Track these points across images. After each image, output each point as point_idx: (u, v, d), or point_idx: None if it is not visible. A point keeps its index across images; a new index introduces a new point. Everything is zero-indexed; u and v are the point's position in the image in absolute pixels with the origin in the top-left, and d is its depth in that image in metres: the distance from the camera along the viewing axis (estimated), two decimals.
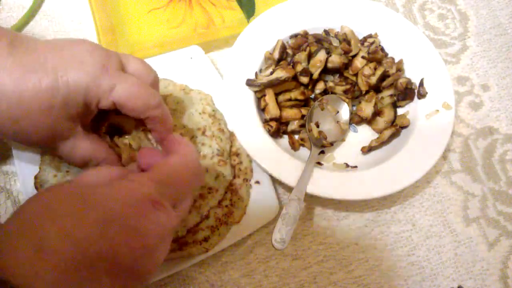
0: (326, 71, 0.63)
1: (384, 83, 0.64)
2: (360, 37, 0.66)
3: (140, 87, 0.44)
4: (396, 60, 0.65)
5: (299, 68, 0.61)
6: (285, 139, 0.62)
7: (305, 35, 0.65)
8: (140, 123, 0.49)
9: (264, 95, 0.60)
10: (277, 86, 0.61)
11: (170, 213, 0.36)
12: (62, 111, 0.41)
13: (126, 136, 0.49)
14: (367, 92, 0.63)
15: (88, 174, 0.37)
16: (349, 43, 0.63)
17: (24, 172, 0.55)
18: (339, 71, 0.64)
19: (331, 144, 0.60)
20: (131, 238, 0.32)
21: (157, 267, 0.35)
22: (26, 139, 0.43)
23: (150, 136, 0.50)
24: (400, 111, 0.65)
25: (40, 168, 0.55)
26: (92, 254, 0.30)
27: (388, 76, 0.64)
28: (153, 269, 0.35)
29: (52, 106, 0.41)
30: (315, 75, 0.62)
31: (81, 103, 0.42)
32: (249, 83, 0.60)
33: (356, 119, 0.63)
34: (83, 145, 0.45)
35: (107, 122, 0.50)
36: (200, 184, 0.44)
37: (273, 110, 0.59)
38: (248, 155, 0.59)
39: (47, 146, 0.45)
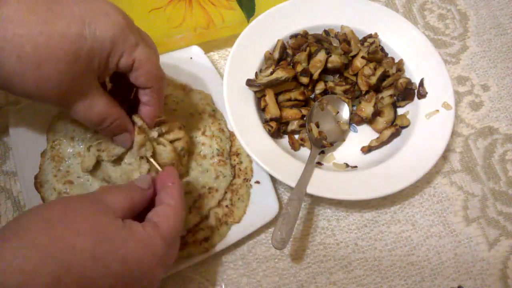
0: (326, 71, 0.63)
1: (384, 83, 0.64)
2: (360, 37, 0.66)
3: (156, 55, 0.46)
4: (396, 60, 0.65)
5: (299, 68, 0.61)
6: (285, 139, 0.62)
7: (305, 35, 0.65)
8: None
9: (264, 95, 0.60)
10: (277, 86, 0.61)
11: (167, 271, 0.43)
12: (85, 65, 0.40)
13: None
14: (367, 92, 0.63)
15: (110, 193, 0.42)
16: (349, 43, 0.63)
17: (24, 172, 0.55)
18: (339, 71, 0.64)
19: (331, 144, 0.60)
20: None
21: None
22: (43, 89, 0.40)
23: (155, 128, 0.52)
24: (400, 111, 0.65)
25: (40, 168, 0.55)
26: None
27: (388, 76, 0.64)
28: None
29: (78, 56, 0.39)
30: (315, 76, 0.62)
31: (105, 56, 0.42)
32: (249, 83, 0.60)
33: (356, 119, 0.63)
34: (100, 102, 0.44)
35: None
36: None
37: (273, 110, 0.59)
38: (248, 155, 0.59)
39: (60, 104, 0.42)
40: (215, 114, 0.61)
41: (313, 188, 0.54)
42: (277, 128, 0.59)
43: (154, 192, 0.46)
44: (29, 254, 0.33)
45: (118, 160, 0.52)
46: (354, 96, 0.64)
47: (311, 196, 0.54)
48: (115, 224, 0.39)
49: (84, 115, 0.44)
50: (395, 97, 0.64)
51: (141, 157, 0.51)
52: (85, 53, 0.40)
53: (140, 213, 0.43)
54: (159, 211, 0.43)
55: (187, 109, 0.60)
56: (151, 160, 0.51)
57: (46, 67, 0.39)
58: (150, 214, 0.43)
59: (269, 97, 0.60)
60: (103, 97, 0.44)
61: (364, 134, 0.63)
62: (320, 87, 0.63)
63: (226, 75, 0.60)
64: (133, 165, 0.51)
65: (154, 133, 0.52)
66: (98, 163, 0.53)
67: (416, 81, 0.64)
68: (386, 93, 0.64)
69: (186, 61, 0.64)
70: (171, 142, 0.54)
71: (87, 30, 0.40)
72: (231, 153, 0.59)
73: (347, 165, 0.60)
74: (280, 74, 0.59)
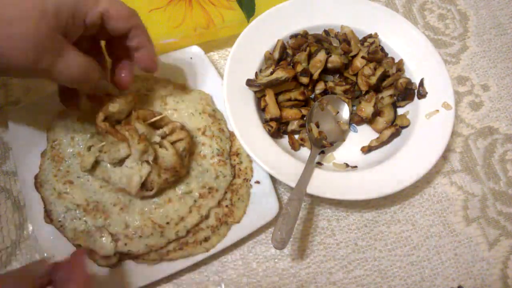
0: (326, 71, 0.63)
1: (384, 83, 0.64)
2: (360, 37, 0.66)
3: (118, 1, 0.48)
4: (396, 60, 0.65)
5: (299, 68, 0.61)
6: (285, 139, 0.62)
7: (305, 35, 0.65)
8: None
9: (264, 95, 0.60)
10: (277, 86, 0.61)
11: None
12: (54, 21, 0.42)
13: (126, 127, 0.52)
14: (367, 92, 0.63)
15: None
16: (349, 43, 0.63)
17: (24, 172, 0.55)
18: (339, 71, 0.64)
19: (331, 144, 0.60)
20: None
21: None
22: (18, 49, 0.41)
23: (158, 132, 0.53)
24: (400, 111, 0.65)
25: (40, 168, 0.55)
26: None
27: (388, 76, 0.64)
28: None
29: (45, 11, 0.41)
30: (315, 76, 0.62)
31: (71, 12, 0.44)
32: (249, 83, 0.60)
33: (356, 119, 0.63)
34: (79, 59, 0.45)
35: (104, 114, 0.52)
36: None
37: (273, 110, 0.59)
38: (248, 155, 0.59)
39: (42, 69, 0.43)
40: (215, 114, 0.61)
41: (313, 188, 0.54)
42: (277, 128, 0.59)
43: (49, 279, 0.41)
44: None
45: (119, 162, 0.52)
46: (354, 96, 0.64)
47: (311, 196, 0.54)
48: None
49: (68, 73, 0.45)
50: (395, 97, 0.64)
51: (141, 163, 0.51)
52: (52, 9, 0.42)
53: None
54: None
55: (187, 109, 0.60)
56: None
57: (18, 24, 0.40)
58: None
59: (269, 97, 0.60)
60: (79, 54, 0.45)
61: (364, 134, 0.63)
62: (320, 87, 0.63)
63: (226, 75, 0.60)
64: (134, 169, 0.51)
65: (157, 138, 0.52)
66: (97, 163, 0.53)
67: (416, 81, 0.64)
68: (386, 93, 0.64)
69: (186, 61, 0.64)
70: (174, 142, 0.54)
71: None
72: (231, 153, 0.59)
73: (347, 165, 0.60)
74: (280, 74, 0.59)
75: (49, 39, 0.42)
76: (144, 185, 0.52)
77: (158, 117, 0.54)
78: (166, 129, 0.54)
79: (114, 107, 0.52)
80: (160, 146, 0.53)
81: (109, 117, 0.52)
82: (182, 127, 0.55)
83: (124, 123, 0.53)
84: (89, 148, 0.53)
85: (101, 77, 0.49)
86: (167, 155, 0.52)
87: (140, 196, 0.53)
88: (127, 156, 0.51)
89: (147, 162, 0.51)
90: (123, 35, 0.49)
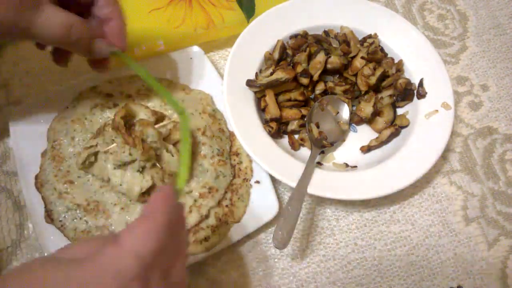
0: (325, 71, 0.63)
1: (384, 83, 0.64)
2: (360, 37, 0.66)
3: None
4: (396, 61, 0.65)
5: (299, 69, 0.61)
6: (285, 139, 0.62)
7: (305, 35, 0.65)
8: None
9: (264, 96, 0.60)
10: (277, 87, 0.61)
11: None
12: None
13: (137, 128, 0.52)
14: (366, 92, 0.63)
15: (67, 248, 0.34)
16: (348, 44, 0.63)
17: (24, 172, 0.55)
18: (338, 71, 0.64)
19: (331, 144, 0.60)
20: None
21: None
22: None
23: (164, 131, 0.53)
24: (399, 111, 0.65)
25: (40, 168, 0.55)
26: None
27: (388, 76, 0.64)
28: None
29: None
30: (315, 77, 0.62)
31: None
32: (249, 83, 0.60)
33: (356, 119, 0.63)
34: (59, 14, 0.44)
35: (124, 109, 0.52)
36: (187, 245, 0.40)
37: (273, 110, 0.59)
38: (248, 155, 0.59)
39: (22, 25, 0.41)
40: (215, 114, 0.61)
41: (313, 188, 0.54)
42: (277, 129, 0.60)
43: None
44: None
45: (122, 165, 0.52)
46: (354, 96, 0.64)
47: (311, 196, 0.54)
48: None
49: (49, 29, 0.43)
50: (394, 97, 0.64)
51: (143, 169, 0.51)
52: None
53: None
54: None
55: (187, 109, 0.60)
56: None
57: None
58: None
59: (269, 97, 0.60)
60: (59, 9, 0.44)
61: (363, 134, 0.64)
62: (320, 87, 0.63)
63: (226, 75, 0.60)
64: (136, 178, 0.51)
65: (168, 148, 0.53)
66: (95, 160, 0.53)
67: (415, 81, 0.64)
68: (385, 93, 0.64)
69: (186, 61, 0.64)
70: (176, 143, 0.54)
71: None
72: (231, 153, 0.60)
73: (346, 165, 0.60)
74: (280, 75, 0.59)
75: None
76: (146, 192, 0.52)
77: (166, 122, 0.55)
78: (168, 127, 0.54)
79: (146, 114, 0.53)
80: (167, 152, 0.53)
81: (127, 116, 0.53)
82: None
83: (138, 123, 0.53)
84: (87, 148, 0.53)
85: (91, 37, 0.46)
86: (172, 161, 0.53)
87: (142, 201, 0.53)
88: (131, 162, 0.51)
89: (150, 171, 0.51)
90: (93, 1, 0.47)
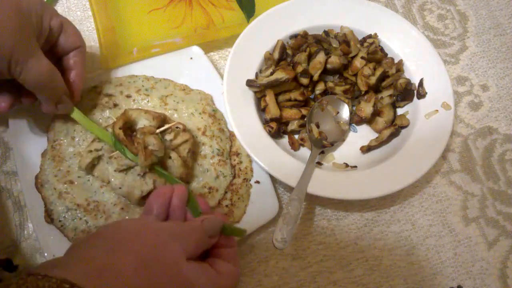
0: (325, 71, 0.63)
1: (384, 83, 0.64)
2: (360, 37, 0.66)
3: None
4: (396, 61, 0.65)
5: (299, 69, 0.61)
6: (285, 139, 0.62)
7: (305, 35, 0.65)
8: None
9: (264, 96, 0.61)
10: (277, 87, 0.61)
11: None
12: (27, 18, 0.45)
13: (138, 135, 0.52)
14: (366, 92, 0.63)
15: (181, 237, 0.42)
16: (348, 44, 0.63)
17: (24, 172, 0.55)
18: (338, 71, 0.64)
19: (331, 144, 0.60)
20: None
21: None
22: (1, 36, 0.43)
23: (166, 137, 0.54)
24: (399, 111, 0.65)
25: (40, 168, 0.55)
26: None
27: (388, 76, 0.64)
28: None
29: (20, 8, 0.44)
30: (315, 77, 0.62)
31: (39, 13, 0.47)
32: (249, 83, 0.60)
33: (356, 119, 0.63)
34: (47, 62, 0.48)
35: (122, 118, 0.53)
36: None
37: (273, 110, 0.59)
38: (248, 155, 0.59)
39: (14, 61, 0.44)
40: (215, 114, 0.61)
41: (313, 188, 0.54)
42: (277, 129, 0.60)
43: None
44: None
45: (126, 169, 0.52)
46: (354, 96, 0.64)
47: (311, 196, 0.55)
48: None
49: (36, 74, 0.46)
50: (394, 97, 0.64)
51: (145, 173, 0.51)
52: (25, 6, 0.45)
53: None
54: (222, 266, 0.43)
55: (187, 109, 0.60)
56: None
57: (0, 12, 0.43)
58: (209, 260, 0.44)
59: (269, 97, 0.60)
60: (46, 58, 0.48)
61: (363, 134, 0.64)
62: (320, 87, 0.63)
63: (226, 75, 0.60)
64: (137, 182, 0.51)
65: (171, 155, 0.53)
66: (97, 162, 0.53)
67: (415, 81, 0.64)
68: (385, 93, 0.64)
69: (186, 61, 0.64)
70: (178, 146, 0.54)
71: None
72: (231, 153, 0.60)
73: (346, 165, 0.60)
74: (280, 75, 0.59)
75: (24, 33, 0.44)
76: (146, 196, 0.52)
77: (167, 126, 0.55)
78: (169, 136, 0.54)
79: (147, 119, 0.54)
80: (169, 158, 0.53)
81: (127, 123, 0.53)
82: (184, 129, 0.55)
83: (139, 132, 0.53)
84: (90, 151, 0.53)
85: (65, 92, 0.51)
86: (174, 166, 0.53)
87: (142, 204, 0.53)
88: (134, 166, 0.51)
89: (152, 175, 0.51)
90: (69, 51, 0.52)
